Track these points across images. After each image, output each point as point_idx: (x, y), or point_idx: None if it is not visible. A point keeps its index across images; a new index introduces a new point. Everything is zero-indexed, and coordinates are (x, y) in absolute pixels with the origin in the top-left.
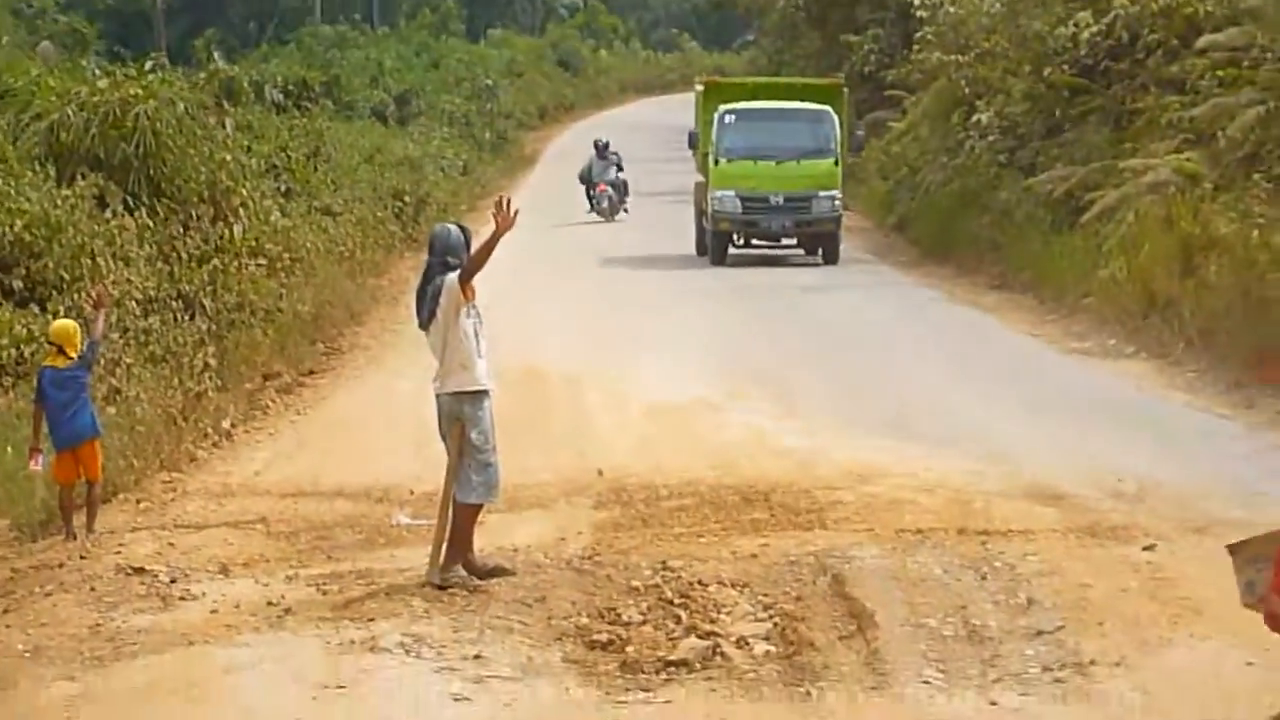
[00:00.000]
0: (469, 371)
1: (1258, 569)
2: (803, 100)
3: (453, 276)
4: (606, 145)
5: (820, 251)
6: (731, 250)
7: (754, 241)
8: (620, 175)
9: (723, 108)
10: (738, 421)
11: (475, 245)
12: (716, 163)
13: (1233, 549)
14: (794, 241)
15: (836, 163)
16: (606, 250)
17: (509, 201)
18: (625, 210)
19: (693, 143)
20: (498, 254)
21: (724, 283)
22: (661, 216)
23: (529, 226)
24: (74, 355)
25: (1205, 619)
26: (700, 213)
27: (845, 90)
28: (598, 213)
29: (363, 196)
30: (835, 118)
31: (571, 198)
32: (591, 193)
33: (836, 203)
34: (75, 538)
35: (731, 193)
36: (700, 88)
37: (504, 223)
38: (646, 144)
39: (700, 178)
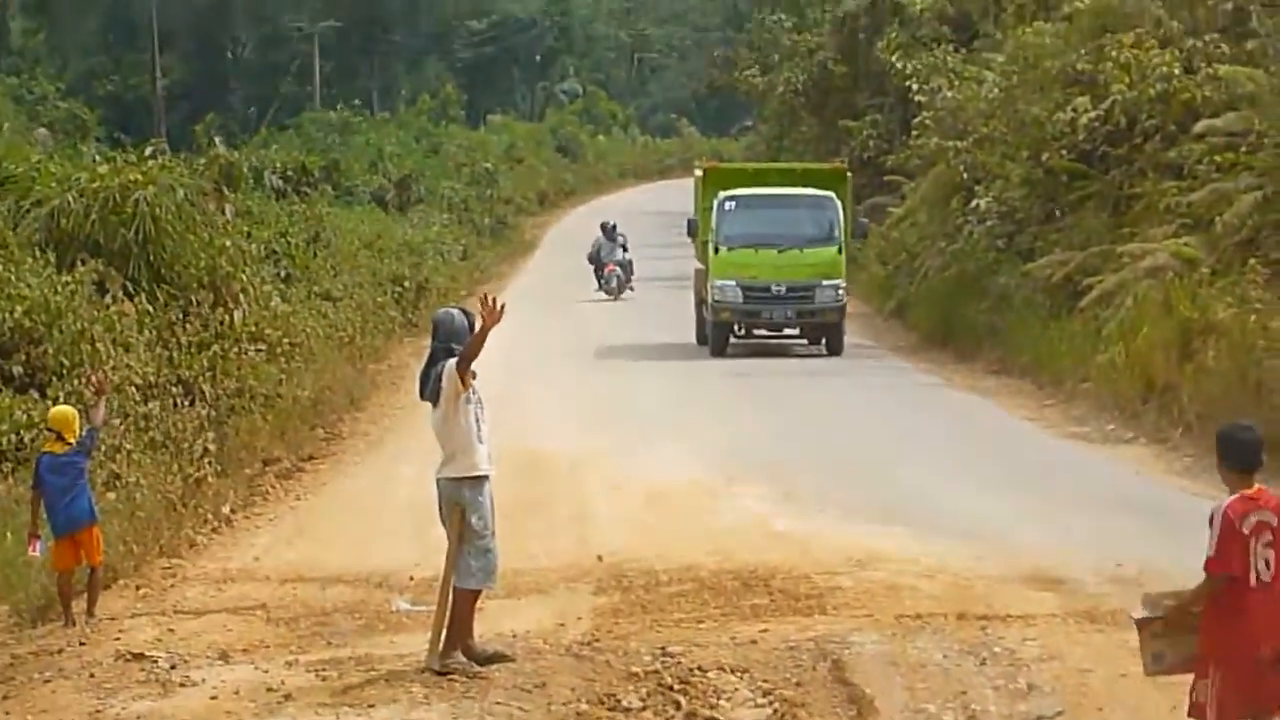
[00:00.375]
0: (469, 457)
1: (1168, 642)
2: (805, 185)
3: (451, 364)
4: (614, 227)
5: (824, 342)
6: (732, 340)
7: (756, 332)
8: (626, 256)
9: (723, 194)
10: (736, 506)
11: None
12: (717, 251)
13: (1140, 623)
14: (797, 331)
15: (840, 250)
16: (606, 337)
17: (495, 299)
18: (631, 289)
19: (692, 230)
20: (500, 338)
21: (722, 366)
22: (661, 303)
23: (529, 312)
24: (72, 441)
25: None
26: (700, 301)
27: (849, 175)
28: (605, 291)
29: (362, 282)
30: (839, 204)
31: (571, 284)
32: (601, 272)
33: (840, 292)
34: (74, 624)
35: (733, 282)
36: (699, 173)
37: (490, 318)
38: (646, 229)
39: (700, 265)
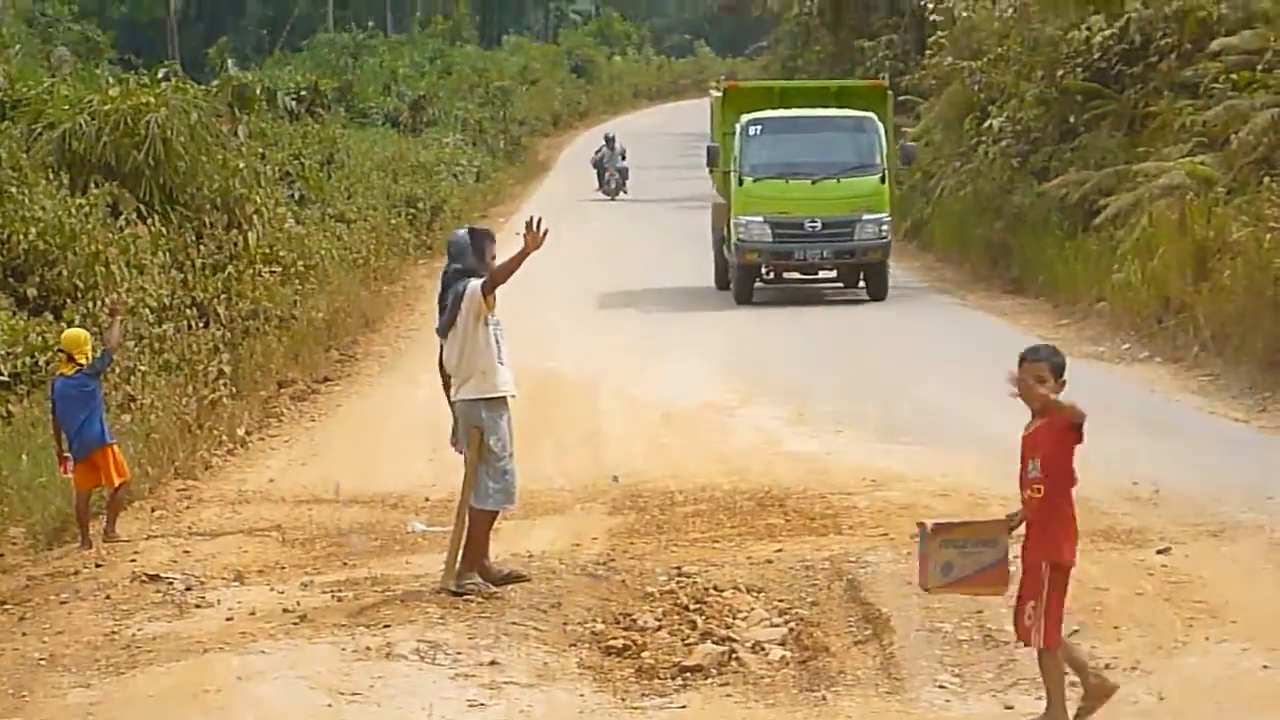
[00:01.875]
0: (489, 378)
1: (961, 552)
2: (840, 105)
3: (475, 284)
4: (614, 139)
5: (864, 284)
6: (758, 284)
7: (786, 275)
8: (624, 164)
9: (746, 117)
10: (751, 427)
11: (496, 250)
12: (741, 182)
13: (936, 527)
14: (833, 274)
15: (883, 179)
16: (621, 259)
17: (540, 221)
18: (625, 191)
19: (712, 159)
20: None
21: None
22: (673, 224)
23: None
24: (84, 363)
25: (1221, 622)
26: (721, 241)
27: (889, 93)
28: (604, 192)
29: (376, 203)
30: (880, 125)
31: (584, 205)
32: (602, 176)
33: (884, 228)
34: (91, 545)
35: (759, 218)
36: (718, 93)
37: (532, 242)
38: (659, 150)
39: (719, 199)
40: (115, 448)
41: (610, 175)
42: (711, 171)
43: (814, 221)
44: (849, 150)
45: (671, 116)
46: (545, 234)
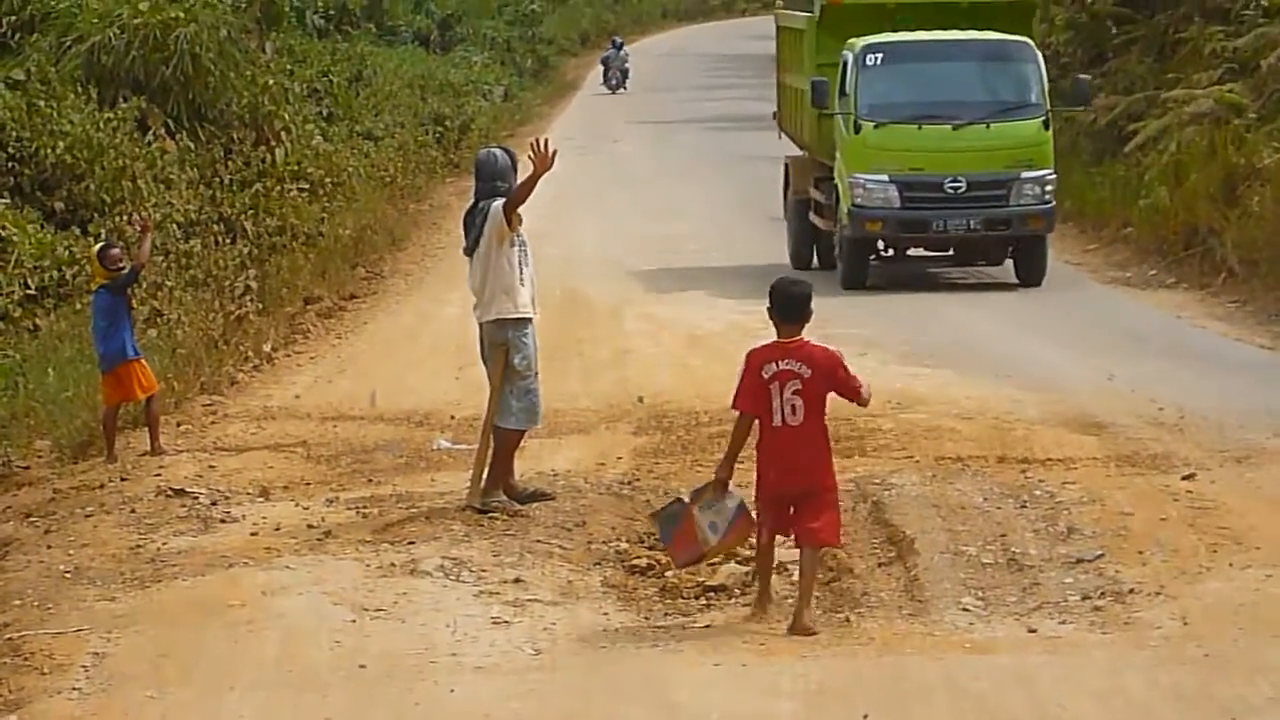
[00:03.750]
0: (511, 299)
1: (715, 510)
2: (974, 26)
3: (498, 204)
4: (620, 43)
5: (1015, 265)
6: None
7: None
8: (626, 65)
9: (860, 43)
10: None
11: (520, 174)
12: (856, 129)
13: (692, 497)
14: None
15: (1046, 124)
16: (644, 182)
17: (546, 143)
18: (625, 88)
19: (821, 97)
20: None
21: (755, 210)
22: (698, 144)
23: (571, 154)
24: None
25: (1244, 548)
26: (803, 204)
27: (1037, 9)
28: (608, 87)
29: (404, 122)
30: (1039, 54)
31: (611, 126)
32: (608, 74)
33: (1048, 189)
34: (116, 459)
35: (884, 177)
36: (814, 12)
37: (542, 164)
38: (687, 71)
39: (796, 152)
40: (141, 362)
41: (613, 73)
42: (776, 115)
43: (956, 181)
44: (1001, 85)
45: (699, 38)
46: (554, 154)
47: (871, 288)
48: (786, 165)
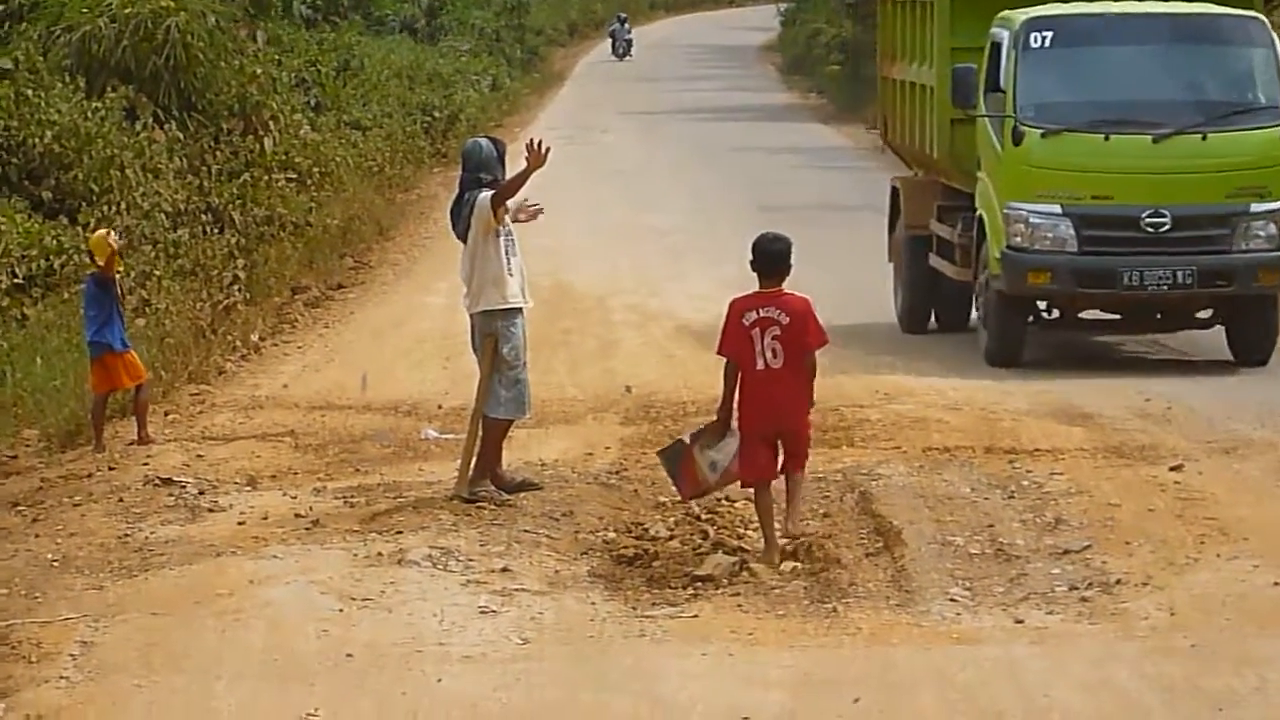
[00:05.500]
0: (500, 289)
1: (716, 448)
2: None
3: (485, 195)
4: (625, 19)
5: (1229, 333)
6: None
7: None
8: (629, 37)
9: (1021, 16)
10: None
11: (509, 163)
12: (1017, 139)
13: (692, 438)
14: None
15: None
16: (631, 172)
17: (540, 142)
18: (630, 56)
19: (967, 93)
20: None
21: (743, 201)
22: (680, 133)
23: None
24: (102, 265)
25: (1232, 539)
26: (926, 246)
27: None
28: (615, 55)
29: (392, 111)
30: (1274, 36)
31: (598, 117)
32: (614, 44)
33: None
34: (104, 448)
35: (1055, 209)
36: None
37: (535, 160)
38: (678, 62)
39: (906, 173)
40: (129, 354)
41: (619, 44)
42: (882, 128)
43: (1158, 215)
44: (1223, 79)
45: (687, 29)
46: (548, 152)
47: (1029, 364)
48: (895, 189)
